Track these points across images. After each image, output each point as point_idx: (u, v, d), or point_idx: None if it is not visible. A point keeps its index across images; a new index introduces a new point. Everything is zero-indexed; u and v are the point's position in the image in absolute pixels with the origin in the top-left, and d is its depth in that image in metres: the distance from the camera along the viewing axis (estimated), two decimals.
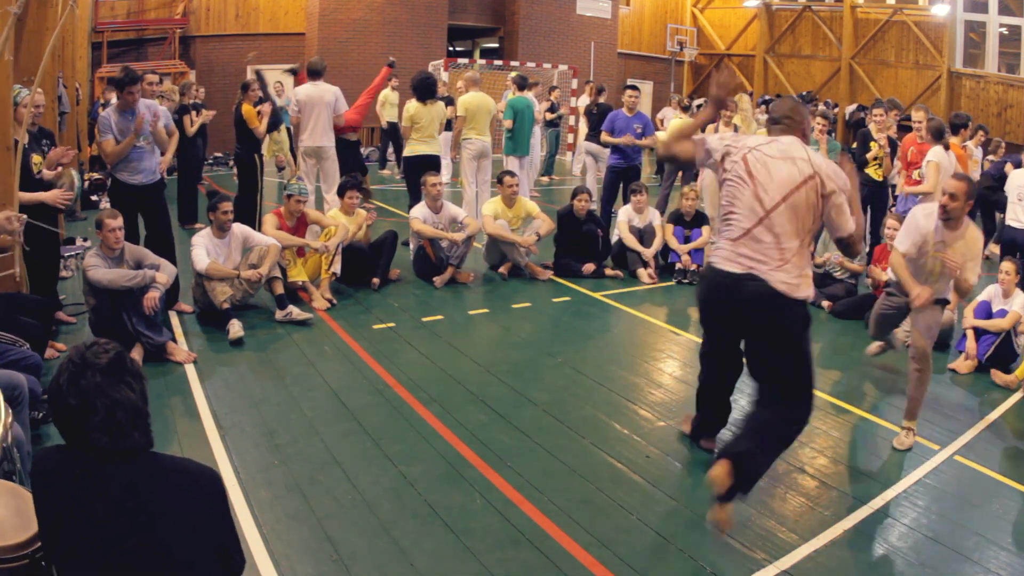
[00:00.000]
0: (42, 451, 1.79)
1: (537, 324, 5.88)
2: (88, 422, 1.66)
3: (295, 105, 7.50)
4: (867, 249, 7.02)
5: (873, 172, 7.23)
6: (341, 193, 6.54)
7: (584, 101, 13.33)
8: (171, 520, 1.71)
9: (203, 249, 5.35)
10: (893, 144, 7.17)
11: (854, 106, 16.43)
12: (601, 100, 10.82)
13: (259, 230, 6.04)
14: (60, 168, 5.10)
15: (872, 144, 7.21)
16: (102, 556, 1.67)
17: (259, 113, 7.55)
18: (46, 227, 4.55)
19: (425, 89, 7.58)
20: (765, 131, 3.65)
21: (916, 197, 6.75)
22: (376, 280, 6.41)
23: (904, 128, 9.66)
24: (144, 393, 1.75)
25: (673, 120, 9.87)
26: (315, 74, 7.47)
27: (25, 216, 4.14)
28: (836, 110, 16.88)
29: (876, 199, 7.37)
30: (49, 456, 1.76)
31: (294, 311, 5.49)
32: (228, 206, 5.54)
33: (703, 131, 3.85)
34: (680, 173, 9.38)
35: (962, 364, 5.21)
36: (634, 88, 8.39)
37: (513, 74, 10.18)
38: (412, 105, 7.62)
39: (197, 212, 8.40)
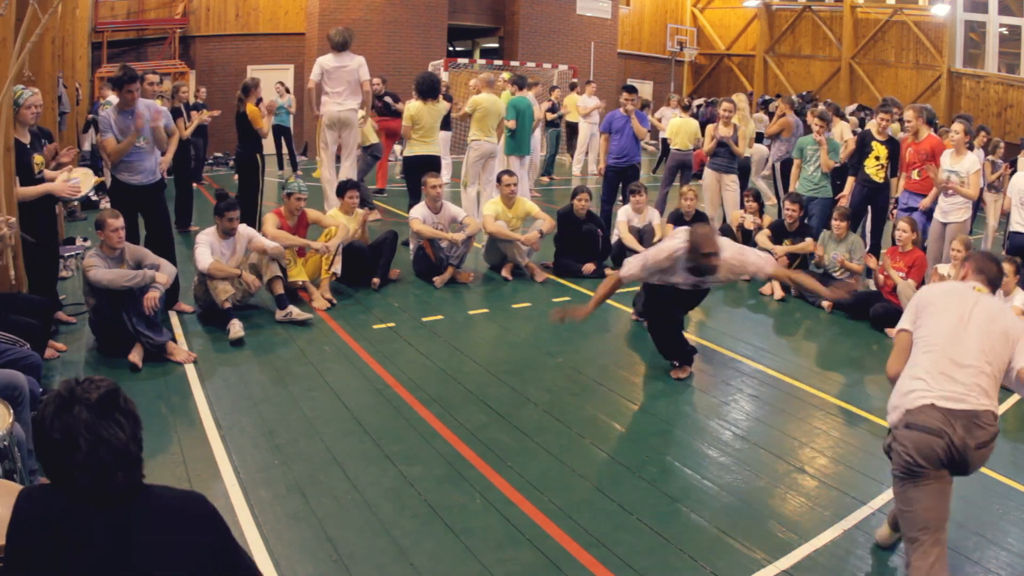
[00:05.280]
0: (26, 490, 1.65)
1: (537, 324, 5.88)
2: (71, 459, 1.53)
3: (318, 72, 7.48)
4: (867, 248, 7.02)
5: (873, 173, 7.22)
6: (340, 193, 6.54)
7: (585, 101, 13.33)
8: (156, 560, 1.58)
9: (207, 248, 5.35)
10: (895, 144, 7.15)
11: (854, 106, 16.43)
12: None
13: (259, 230, 6.03)
14: (69, 167, 5.10)
15: (874, 144, 7.20)
16: None
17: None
18: (29, 238, 4.55)
19: (428, 88, 7.57)
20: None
21: (918, 196, 6.75)
22: (376, 280, 6.41)
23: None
24: (136, 436, 1.60)
25: (673, 120, 9.83)
26: (340, 46, 7.45)
27: (14, 219, 4.14)
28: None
29: (876, 200, 7.37)
30: (32, 495, 1.61)
31: (294, 311, 5.49)
32: (235, 214, 5.54)
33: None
34: (679, 173, 9.39)
35: None
36: (630, 90, 8.39)
37: (506, 74, 10.18)
38: (413, 105, 7.61)
39: (192, 216, 8.38)
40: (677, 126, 9.35)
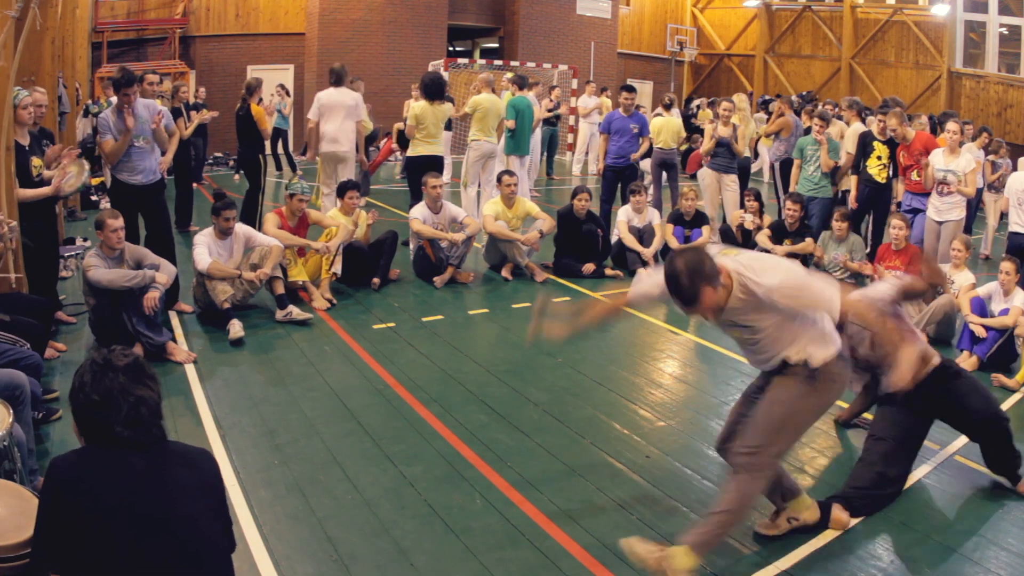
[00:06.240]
0: (58, 458, 1.83)
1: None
2: (111, 417, 1.78)
3: (316, 109, 7.60)
4: (868, 249, 7.03)
5: (876, 173, 7.22)
6: (340, 193, 6.55)
7: (585, 101, 13.33)
8: (184, 501, 1.82)
9: (205, 248, 5.35)
10: (893, 145, 7.15)
11: None
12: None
13: (260, 229, 6.04)
14: (65, 162, 5.08)
15: (876, 143, 7.21)
16: (124, 541, 1.72)
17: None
18: (29, 243, 4.55)
19: (435, 89, 7.59)
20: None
21: (921, 196, 6.75)
22: (376, 280, 6.41)
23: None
24: (160, 395, 1.90)
25: (655, 119, 9.78)
26: (338, 80, 7.57)
27: (15, 223, 4.13)
28: (836, 110, 16.88)
29: (878, 200, 7.37)
30: (67, 459, 1.82)
31: (294, 311, 5.49)
32: (231, 214, 5.54)
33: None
34: (664, 174, 9.38)
35: (965, 362, 5.20)
36: (629, 90, 8.40)
37: (510, 74, 10.18)
38: (418, 105, 7.62)
39: (192, 215, 8.38)
40: (660, 125, 9.33)
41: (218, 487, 1.96)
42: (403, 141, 10.58)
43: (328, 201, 7.77)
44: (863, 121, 8.13)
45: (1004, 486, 3.63)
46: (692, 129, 15.14)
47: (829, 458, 3.89)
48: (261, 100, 7.79)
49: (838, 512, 3.19)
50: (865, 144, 7.32)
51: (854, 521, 3.21)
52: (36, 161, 4.95)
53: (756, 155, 13.98)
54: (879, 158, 7.18)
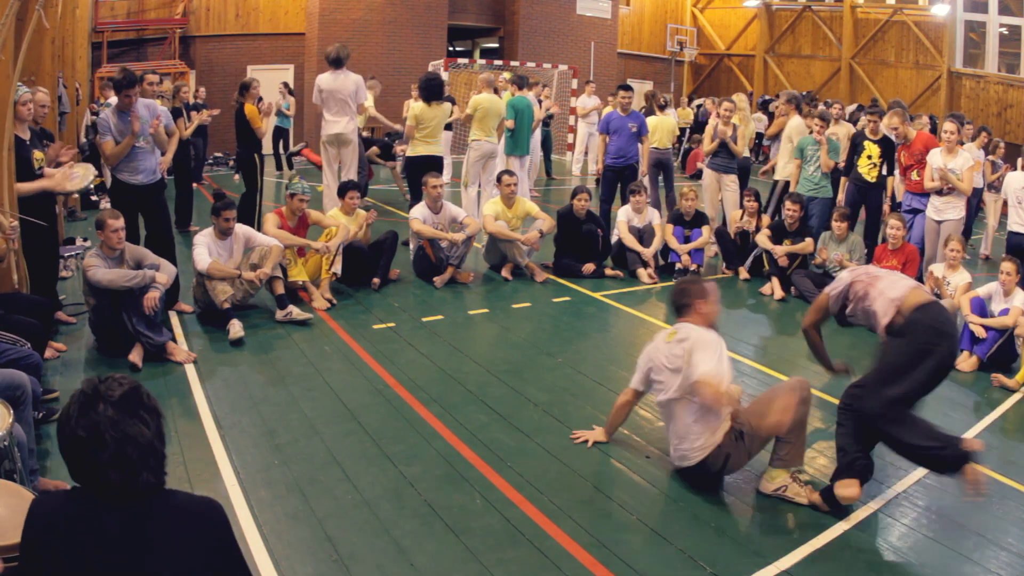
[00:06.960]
0: (39, 500, 1.69)
1: (537, 324, 5.88)
2: (97, 457, 1.55)
3: (317, 94, 7.60)
4: (865, 250, 7.02)
5: (865, 172, 7.21)
6: (341, 194, 6.55)
7: (584, 101, 13.32)
8: (168, 562, 1.62)
9: (205, 248, 5.35)
10: (890, 144, 7.15)
11: (854, 106, 16.43)
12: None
13: (259, 229, 6.04)
14: (70, 164, 5.10)
15: (867, 143, 7.21)
16: None
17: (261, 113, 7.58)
18: (36, 221, 4.54)
19: (432, 90, 7.59)
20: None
21: (921, 196, 6.75)
22: (376, 280, 6.41)
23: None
24: (160, 431, 1.64)
25: (649, 118, 9.75)
26: (336, 63, 7.57)
27: (16, 222, 4.14)
28: (839, 110, 16.86)
29: (867, 199, 7.36)
30: (47, 505, 1.67)
31: (294, 311, 5.50)
32: (231, 214, 5.55)
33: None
34: (660, 175, 9.38)
35: (964, 362, 5.21)
36: (627, 89, 8.40)
37: (507, 74, 10.17)
38: (417, 106, 7.62)
39: (192, 215, 8.39)
40: (654, 124, 9.29)
41: (223, 544, 1.71)
42: (384, 156, 10.65)
43: (330, 192, 7.80)
44: (800, 114, 8.34)
45: (1004, 485, 3.64)
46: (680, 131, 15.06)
47: (829, 458, 3.88)
48: (260, 100, 7.78)
49: (841, 488, 3.26)
50: (856, 144, 7.33)
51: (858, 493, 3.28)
52: (38, 155, 4.96)
53: (756, 154, 13.97)
54: (869, 157, 7.18)
